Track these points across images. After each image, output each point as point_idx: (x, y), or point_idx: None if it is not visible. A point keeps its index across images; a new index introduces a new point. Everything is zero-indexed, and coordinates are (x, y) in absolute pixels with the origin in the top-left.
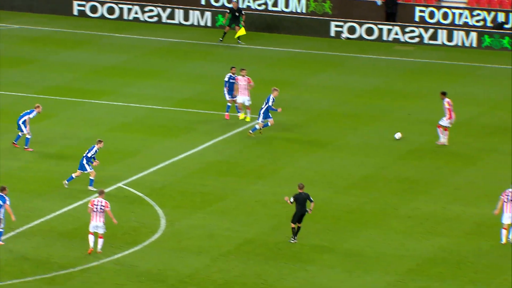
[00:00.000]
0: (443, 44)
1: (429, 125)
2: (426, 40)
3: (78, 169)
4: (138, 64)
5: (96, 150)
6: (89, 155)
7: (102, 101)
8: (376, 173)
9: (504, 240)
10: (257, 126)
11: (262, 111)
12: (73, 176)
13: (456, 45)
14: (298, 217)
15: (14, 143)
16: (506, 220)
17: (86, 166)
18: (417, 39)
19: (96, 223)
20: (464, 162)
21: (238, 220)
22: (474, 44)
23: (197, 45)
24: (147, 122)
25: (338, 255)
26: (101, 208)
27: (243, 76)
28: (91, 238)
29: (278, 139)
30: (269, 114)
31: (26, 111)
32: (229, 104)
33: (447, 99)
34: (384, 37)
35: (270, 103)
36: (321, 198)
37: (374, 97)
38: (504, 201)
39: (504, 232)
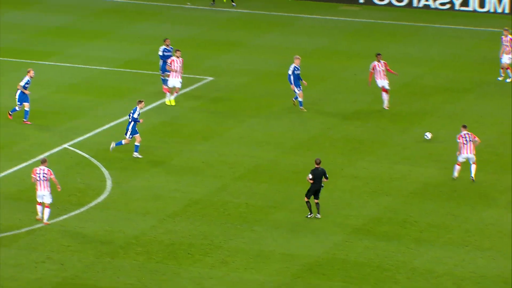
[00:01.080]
0: (390, 4)
1: (375, 86)
2: (373, 0)
3: (130, 135)
4: (84, 25)
5: (139, 111)
6: (135, 116)
7: (48, 63)
8: (323, 134)
9: (456, 175)
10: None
11: None
12: (123, 142)
13: (403, 6)
14: (314, 192)
15: (9, 114)
16: (461, 159)
17: (131, 130)
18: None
19: (42, 192)
20: (409, 122)
21: (184, 181)
22: (421, 5)
23: (144, 5)
24: (94, 84)
25: (285, 215)
26: (44, 176)
27: (178, 57)
28: (39, 208)
29: (225, 100)
30: None
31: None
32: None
33: (382, 61)
34: None
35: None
36: (268, 159)
37: (321, 57)
38: (463, 143)
39: (457, 167)
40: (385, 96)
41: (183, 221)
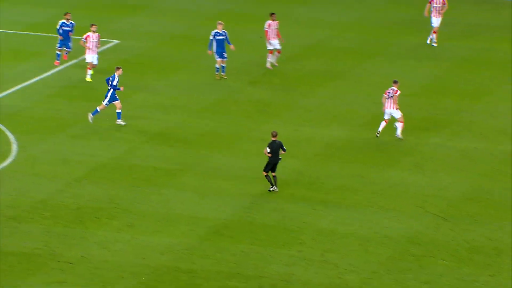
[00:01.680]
0: None
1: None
2: None
3: (108, 102)
4: None
5: (117, 78)
6: (114, 83)
7: None
8: (229, 97)
9: (379, 130)
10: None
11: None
12: (98, 110)
13: None
14: (272, 166)
15: None
16: (386, 116)
17: (110, 97)
18: None
19: None
20: (314, 85)
21: (91, 145)
22: None
23: None
24: None
25: (191, 178)
26: None
27: (94, 32)
28: None
29: (131, 64)
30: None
31: None
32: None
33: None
34: None
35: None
36: (174, 122)
37: (227, 20)
38: (386, 98)
39: (382, 123)
40: (276, 55)
41: (90, 185)
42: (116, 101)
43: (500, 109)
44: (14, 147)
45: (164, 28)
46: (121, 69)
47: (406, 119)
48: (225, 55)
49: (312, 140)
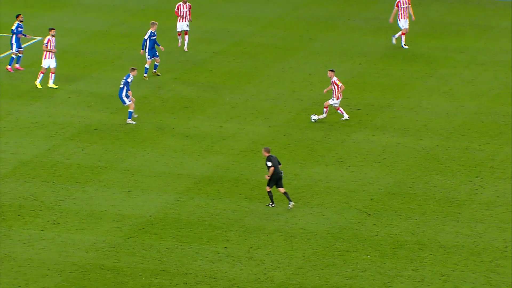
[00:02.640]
0: None
1: (201, 42)
2: None
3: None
4: None
5: (132, 78)
6: (128, 80)
7: None
8: (153, 93)
9: (322, 115)
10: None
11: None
12: (132, 110)
13: None
14: (276, 181)
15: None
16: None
17: (125, 99)
18: None
19: None
20: (239, 81)
21: (13, 142)
22: None
23: None
24: None
25: (115, 175)
26: None
27: (53, 36)
28: None
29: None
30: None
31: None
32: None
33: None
34: None
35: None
36: (97, 119)
37: (146, 17)
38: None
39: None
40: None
41: (12, 183)
42: (130, 102)
43: (422, 104)
44: None
45: (86, 24)
46: (136, 70)
47: (328, 114)
48: (157, 53)
49: (237, 136)
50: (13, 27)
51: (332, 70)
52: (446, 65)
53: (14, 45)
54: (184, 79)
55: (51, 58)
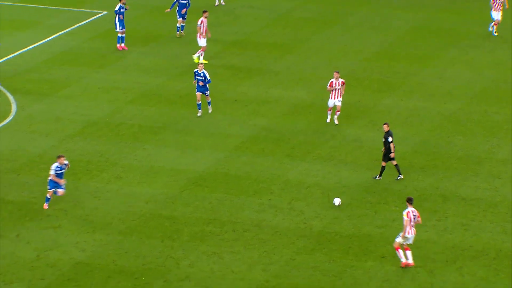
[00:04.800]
0: None
1: (247, 16)
2: None
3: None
4: None
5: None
6: (208, 77)
7: None
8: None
9: (328, 120)
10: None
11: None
12: (209, 102)
13: None
14: (385, 154)
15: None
16: (330, 103)
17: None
18: None
19: None
20: (283, 51)
21: (82, 105)
22: None
23: None
24: None
25: (172, 134)
26: None
27: (206, 18)
28: None
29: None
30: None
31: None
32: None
33: None
34: None
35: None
36: (156, 84)
37: None
38: (334, 89)
39: (328, 112)
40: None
41: (81, 141)
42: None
43: (447, 72)
44: (14, 107)
45: (147, 1)
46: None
47: (359, 81)
48: (185, 16)
49: (280, 101)
50: (116, 8)
51: (337, 72)
52: (467, 37)
53: (118, 25)
54: (233, 49)
55: (203, 38)
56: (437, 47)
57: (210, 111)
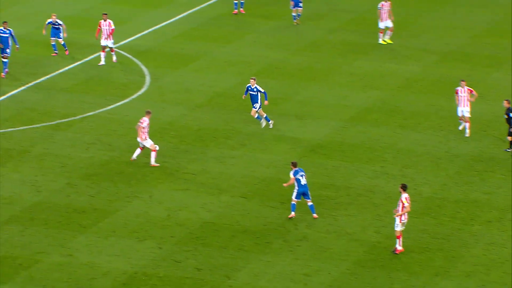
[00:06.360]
0: None
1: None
2: None
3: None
4: None
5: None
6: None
7: None
8: (323, 38)
9: (461, 127)
10: None
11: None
12: (263, 117)
13: None
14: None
15: None
16: (458, 112)
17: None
18: None
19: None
20: (397, 28)
21: (210, 77)
22: None
23: None
24: None
25: (292, 105)
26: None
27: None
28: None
29: (243, 15)
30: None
31: None
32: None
33: None
34: None
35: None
36: (278, 58)
37: None
38: (460, 96)
39: (461, 123)
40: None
41: (209, 111)
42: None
43: None
44: (147, 79)
45: None
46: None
47: (471, 58)
48: (300, 4)
49: (394, 74)
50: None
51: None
52: None
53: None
54: (351, 26)
55: (386, 20)
56: None
57: (263, 125)
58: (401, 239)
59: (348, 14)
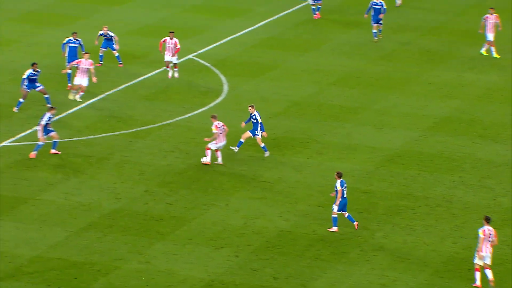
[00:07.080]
0: None
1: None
2: None
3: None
4: None
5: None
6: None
7: None
8: (401, 47)
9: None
10: None
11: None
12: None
13: None
14: None
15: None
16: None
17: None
18: None
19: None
20: (475, 38)
21: (286, 85)
22: None
23: None
24: (211, 4)
25: (370, 114)
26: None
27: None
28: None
29: (322, 20)
30: None
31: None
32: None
33: None
34: None
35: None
36: (356, 68)
37: None
38: None
39: None
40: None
41: (285, 119)
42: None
43: None
44: (225, 87)
45: None
46: (253, 107)
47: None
48: (381, 21)
49: (474, 84)
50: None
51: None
52: None
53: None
54: (429, 35)
55: (490, 33)
56: None
57: (267, 154)
58: (478, 273)
59: (426, 24)
